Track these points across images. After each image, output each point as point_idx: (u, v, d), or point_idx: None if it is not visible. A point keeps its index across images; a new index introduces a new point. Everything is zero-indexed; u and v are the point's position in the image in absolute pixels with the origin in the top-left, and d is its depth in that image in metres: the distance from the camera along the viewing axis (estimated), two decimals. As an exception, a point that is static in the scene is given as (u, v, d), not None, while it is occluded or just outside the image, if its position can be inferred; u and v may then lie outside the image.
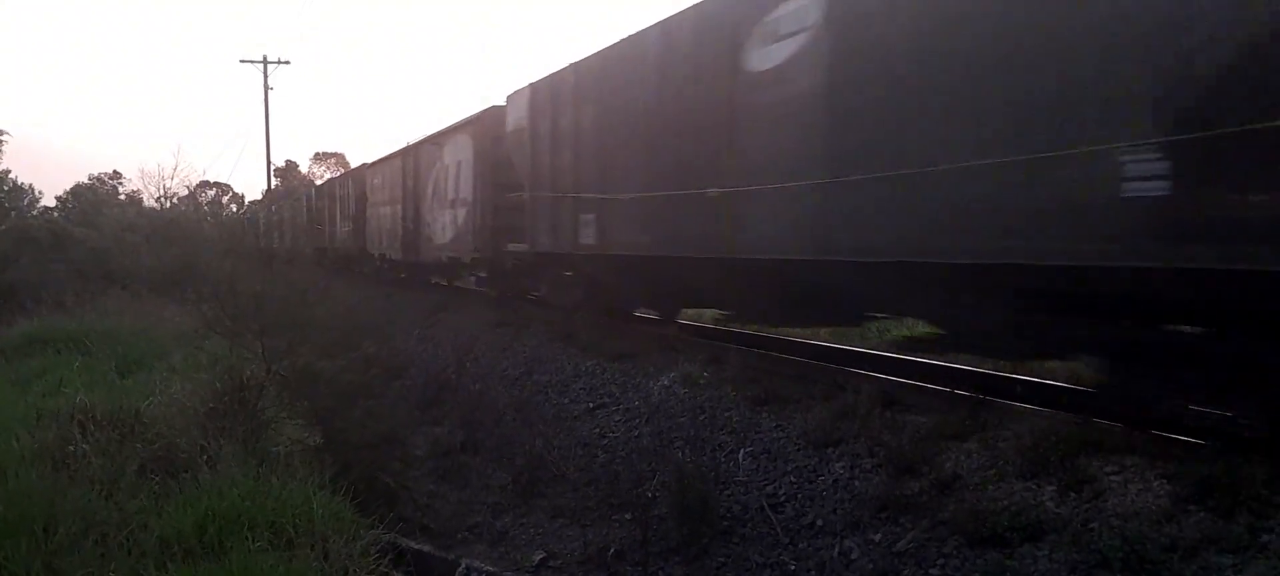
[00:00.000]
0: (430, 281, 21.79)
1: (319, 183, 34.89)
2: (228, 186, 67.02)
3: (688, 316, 13.03)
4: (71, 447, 5.95)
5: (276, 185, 52.82)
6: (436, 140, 18.67)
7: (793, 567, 5.73)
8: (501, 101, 14.93)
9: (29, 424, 6.84)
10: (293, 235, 39.96)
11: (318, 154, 73.73)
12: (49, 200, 58.85)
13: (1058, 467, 5.34)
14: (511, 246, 14.26)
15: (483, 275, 17.40)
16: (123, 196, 59.99)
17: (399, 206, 21.53)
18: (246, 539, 4.75)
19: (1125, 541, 4.48)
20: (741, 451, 7.18)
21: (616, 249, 10.64)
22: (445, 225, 17.75)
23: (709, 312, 12.94)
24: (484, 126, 15.44)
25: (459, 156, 16.76)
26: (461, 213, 16.55)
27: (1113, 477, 5.10)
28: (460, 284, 20.87)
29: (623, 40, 10.54)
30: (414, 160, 20.38)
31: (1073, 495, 5.09)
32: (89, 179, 64.77)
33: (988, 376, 7.66)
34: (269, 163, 43.11)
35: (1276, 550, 4.17)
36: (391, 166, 22.83)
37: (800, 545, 5.88)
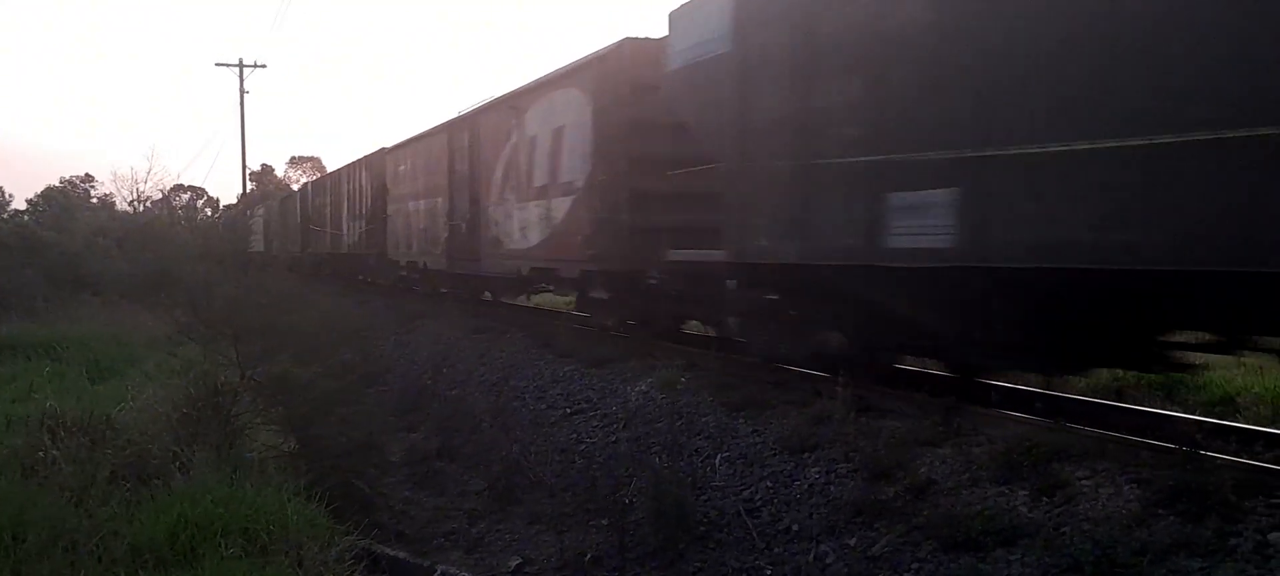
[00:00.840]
0: (491, 298, 16.46)
1: (316, 177, 32.52)
2: (202, 190, 66.42)
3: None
4: (41, 454, 5.88)
5: (252, 188, 52.37)
6: (512, 103, 13.35)
7: (769, 572, 5.75)
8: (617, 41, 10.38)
9: (-2, 430, 6.76)
10: (282, 241, 35.93)
11: (293, 158, 73.19)
12: (19, 203, 58.19)
13: (1030, 473, 5.39)
14: (674, 253, 9.39)
15: (601, 295, 11.39)
16: (95, 200, 59.33)
17: (443, 199, 16.44)
18: (220, 546, 4.71)
19: (1096, 545, 4.53)
20: (718, 457, 7.19)
21: (1024, 256, 5.46)
22: (529, 222, 12.64)
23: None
24: (608, 72, 10.47)
25: (558, 121, 11.70)
26: (562, 204, 11.56)
27: (1084, 482, 5.15)
28: (546, 304, 16.29)
29: None
30: (470, 135, 15.17)
31: (1045, 500, 5.14)
32: (60, 182, 64.03)
33: (962, 382, 7.71)
34: (244, 166, 42.64)
35: (1244, 553, 4.23)
36: (429, 146, 17.41)
37: (776, 550, 5.90)
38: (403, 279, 20.31)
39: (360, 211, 23.01)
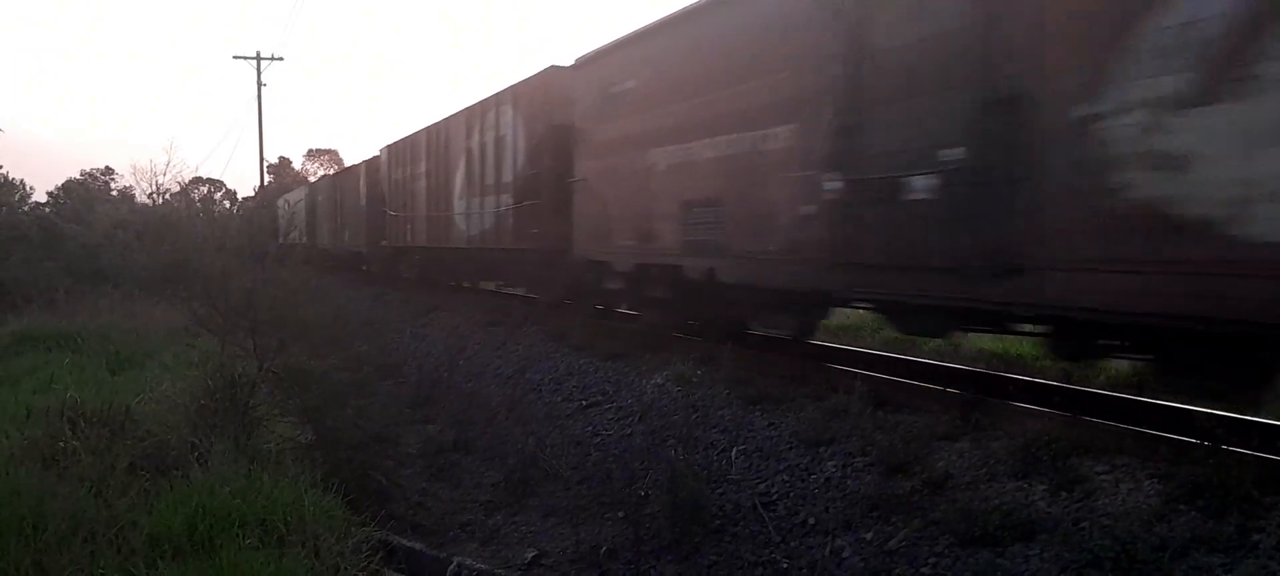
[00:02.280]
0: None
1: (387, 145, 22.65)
2: (221, 183, 66.83)
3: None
4: (61, 445, 5.91)
5: (270, 181, 52.61)
6: None
7: (784, 566, 5.73)
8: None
9: (18, 421, 6.81)
10: (334, 232, 28.78)
11: (311, 150, 73.64)
12: (40, 196, 58.62)
13: (1049, 467, 5.36)
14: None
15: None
16: (114, 192, 59.73)
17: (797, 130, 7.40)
18: (237, 537, 4.72)
19: (1116, 541, 4.49)
20: (734, 450, 7.18)
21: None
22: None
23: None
24: None
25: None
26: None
27: (1104, 477, 5.11)
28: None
29: None
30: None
31: (1064, 494, 5.11)
32: (81, 175, 64.56)
33: (982, 375, 7.67)
34: (262, 159, 42.95)
35: (1267, 549, 4.19)
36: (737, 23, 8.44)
37: (792, 543, 5.88)
38: (613, 293, 11.73)
39: (498, 182, 14.48)
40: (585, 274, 12.07)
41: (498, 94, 14.91)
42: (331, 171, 44.17)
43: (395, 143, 21.95)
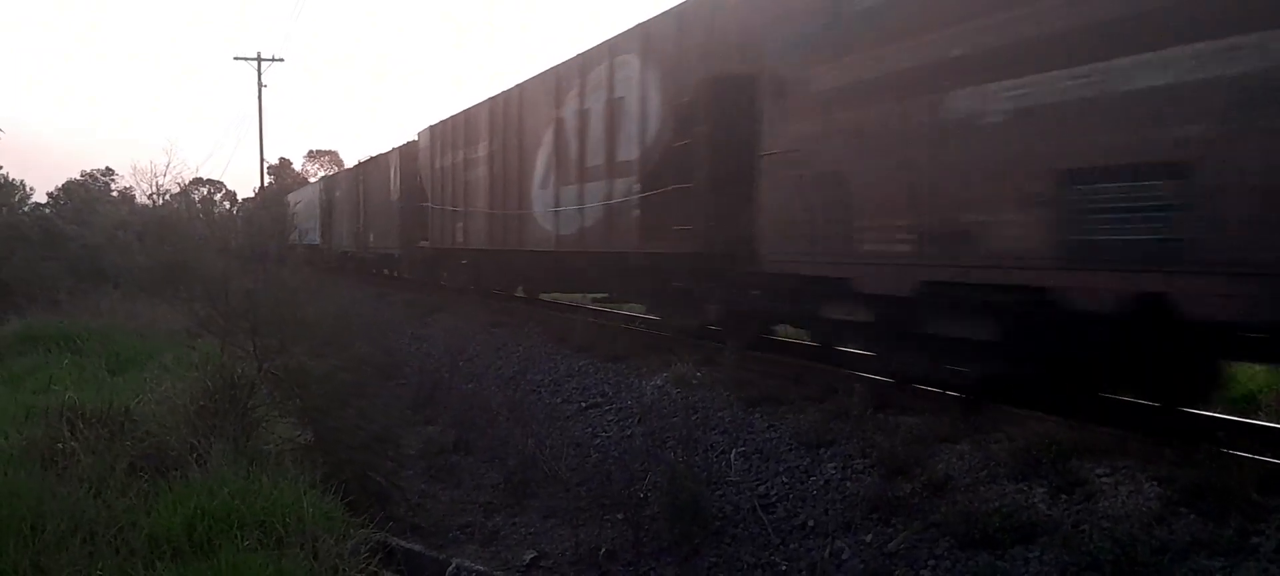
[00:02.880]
0: None
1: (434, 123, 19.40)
2: (221, 184, 66.84)
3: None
4: (60, 445, 5.91)
5: (270, 182, 52.59)
6: None
7: (784, 568, 5.72)
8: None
9: (18, 421, 6.80)
10: (356, 233, 24.72)
11: (311, 151, 73.66)
12: (40, 197, 58.60)
13: (1049, 470, 5.35)
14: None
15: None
16: (115, 193, 59.73)
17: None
18: (236, 538, 4.72)
19: (1116, 543, 4.48)
20: (734, 451, 7.17)
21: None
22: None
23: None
24: None
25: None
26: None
27: (1104, 480, 5.11)
28: None
29: None
30: None
31: (1064, 497, 5.10)
32: (81, 175, 64.55)
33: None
34: (263, 160, 43.00)
35: (1267, 553, 4.18)
36: None
37: (792, 545, 5.87)
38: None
39: (610, 162, 10.97)
40: (780, 297, 8.26)
41: (610, 41, 11.19)
42: (333, 171, 43.83)
43: (440, 123, 18.34)
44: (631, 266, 10.89)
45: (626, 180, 10.52)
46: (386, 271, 23.93)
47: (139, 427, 6.47)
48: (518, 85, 14.25)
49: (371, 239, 23.88)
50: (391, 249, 21.85)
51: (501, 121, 14.86)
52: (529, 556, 6.85)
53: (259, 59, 41.03)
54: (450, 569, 6.11)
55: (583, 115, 11.76)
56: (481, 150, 15.76)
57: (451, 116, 17.74)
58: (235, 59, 42.46)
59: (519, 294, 16.60)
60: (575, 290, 15.15)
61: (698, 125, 9.19)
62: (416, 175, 19.97)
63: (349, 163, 42.59)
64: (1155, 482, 4.93)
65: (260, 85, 41.16)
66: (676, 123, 9.56)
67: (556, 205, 12.46)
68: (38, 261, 20.16)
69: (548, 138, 12.85)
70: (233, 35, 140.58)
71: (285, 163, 70.75)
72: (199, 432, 6.27)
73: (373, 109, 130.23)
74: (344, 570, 4.75)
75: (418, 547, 6.42)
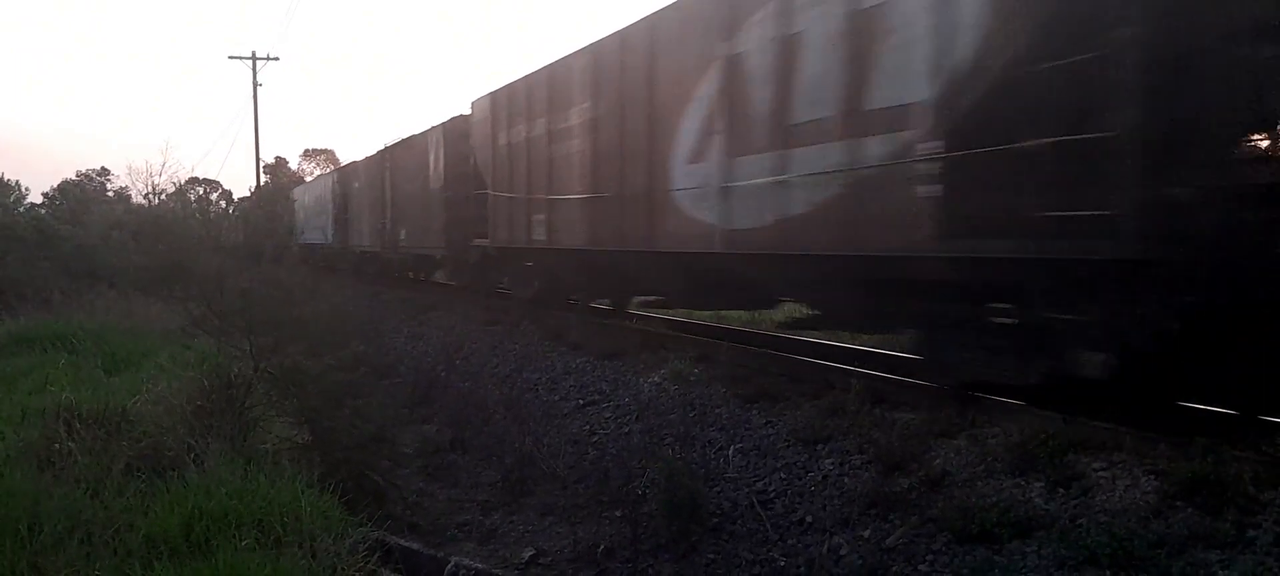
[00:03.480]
0: None
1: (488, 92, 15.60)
2: (217, 183, 66.70)
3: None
4: (57, 446, 5.89)
5: (266, 181, 52.43)
6: None
7: (782, 564, 5.73)
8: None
9: (14, 422, 6.79)
10: (375, 229, 21.55)
11: (307, 150, 73.46)
12: (35, 197, 58.48)
13: (1046, 464, 5.36)
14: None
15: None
16: (110, 193, 59.61)
17: None
18: (234, 537, 4.71)
19: (1113, 537, 4.49)
20: (731, 448, 7.18)
21: None
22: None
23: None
24: None
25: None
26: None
27: (1101, 474, 5.12)
28: None
29: None
30: None
31: (1061, 492, 5.11)
32: (76, 175, 64.45)
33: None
34: (258, 159, 42.78)
35: (1263, 546, 4.19)
36: None
37: (790, 541, 5.88)
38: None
39: (855, 108, 6.88)
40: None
41: None
42: (331, 169, 43.74)
43: (507, 87, 14.37)
44: (899, 279, 6.87)
45: (894, 136, 6.58)
46: (412, 275, 20.51)
47: (135, 428, 6.45)
48: (645, 19, 10.29)
49: (403, 236, 19.92)
50: (431, 248, 18.10)
51: (615, 75, 10.94)
52: (527, 554, 6.85)
53: (254, 58, 40.93)
54: (449, 567, 6.10)
55: (786, 44, 7.79)
56: (576, 117, 11.95)
57: (525, 77, 13.80)
58: (230, 58, 42.34)
59: (680, 316, 12.44)
60: (747, 307, 11.48)
61: (1119, 26, 4.98)
62: (468, 157, 16.12)
63: (344, 161, 42.49)
64: (1152, 476, 4.94)
65: (256, 84, 41.04)
66: (1042, 29, 5.46)
67: (726, 181, 8.65)
68: (31, 262, 20.10)
69: (705, 88, 9.03)
70: (229, 35, 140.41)
71: (281, 161, 70.59)
72: (196, 432, 6.26)
73: (369, 108, 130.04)
74: (342, 569, 4.75)
75: (416, 546, 6.42)
